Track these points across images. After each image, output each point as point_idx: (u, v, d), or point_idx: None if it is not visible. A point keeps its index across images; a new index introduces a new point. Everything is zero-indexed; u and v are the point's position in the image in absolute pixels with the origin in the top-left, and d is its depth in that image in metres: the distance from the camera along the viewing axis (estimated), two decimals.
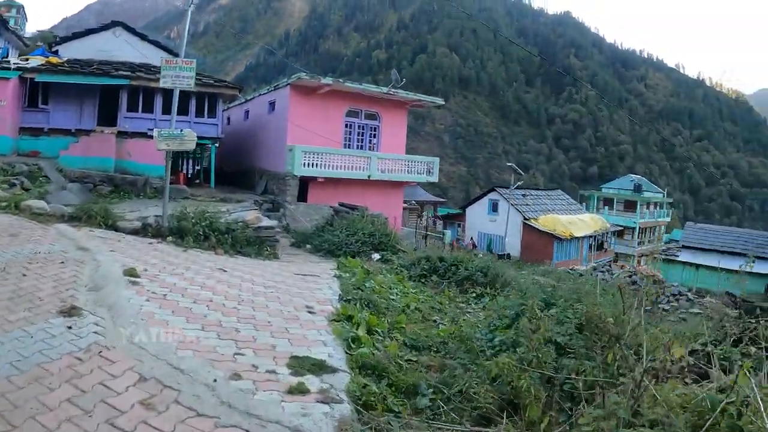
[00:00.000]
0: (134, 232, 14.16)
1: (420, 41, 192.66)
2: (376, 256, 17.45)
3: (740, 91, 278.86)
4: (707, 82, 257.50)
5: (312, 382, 5.77)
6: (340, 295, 10.37)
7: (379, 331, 8.39)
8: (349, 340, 7.53)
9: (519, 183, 53.18)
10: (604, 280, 27.84)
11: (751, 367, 4.17)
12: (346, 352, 7.06)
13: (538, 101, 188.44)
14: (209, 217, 15.02)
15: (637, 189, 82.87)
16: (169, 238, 13.92)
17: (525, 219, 47.94)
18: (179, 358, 5.85)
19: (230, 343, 6.68)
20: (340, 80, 28.75)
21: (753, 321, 6.32)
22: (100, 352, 5.82)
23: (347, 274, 12.85)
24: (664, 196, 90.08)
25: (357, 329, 8.01)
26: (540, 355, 5.58)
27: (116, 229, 14.09)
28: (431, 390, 6.41)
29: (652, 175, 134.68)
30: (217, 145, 27.21)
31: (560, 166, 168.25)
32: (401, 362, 7.20)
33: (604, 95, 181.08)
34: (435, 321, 10.73)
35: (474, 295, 14.12)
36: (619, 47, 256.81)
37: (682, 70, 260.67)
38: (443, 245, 36.74)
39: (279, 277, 11.79)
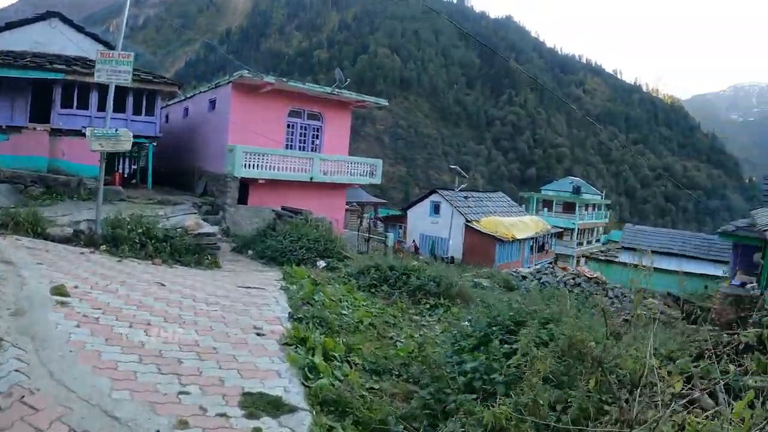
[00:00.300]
0: (65, 240, 13.13)
1: (362, 41, 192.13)
2: (321, 263, 16.80)
3: (676, 97, 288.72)
4: (644, 88, 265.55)
5: (269, 426, 5.11)
6: (290, 312, 9.65)
7: (336, 355, 7.70)
8: (306, 369, 6.85)
9: (463, 185, 53.02)
10: (548, 283, 27.94)
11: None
12: (304, 384, 6.40)
13: (478, 103, 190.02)
14: (146, 222, 14.12)
15: (576, 191, 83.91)
16: (103, 247, 12.93)
17: (467, 221, 47.77)
18: (115, 402, 5.07)
19: (172, 379, 5.90)
20: (283, 79, 27.84)
21: (728, 334, 6.35)
22: (23, 397, 4.91)
23: (294, 286, 12.12)
24: (602, 198, 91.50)
25: (313, 355, 7.29)
26: (540, 401, 4.97)
27: (46, 237, 13.02)
28: (402, 427, 5.78)
29: (589, 178, 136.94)
30: (155, 144, 26.03)
31: (499, 168, 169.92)
32: (364, 392, 6.58)
33: (544, 98, 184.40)
34: (392, 338, 10.20)
35: (428, 306, 13.65)
36: (559, 52, 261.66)
37: (619, 76, 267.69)
38: (386, 248, 36.27)
39: (222, 290, 10.99)
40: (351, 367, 7.60)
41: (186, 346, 7.06)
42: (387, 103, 35.60)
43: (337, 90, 28.54)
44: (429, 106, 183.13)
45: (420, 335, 10.72)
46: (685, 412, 4.27)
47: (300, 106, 28.39)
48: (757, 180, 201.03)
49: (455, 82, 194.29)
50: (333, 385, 6.43)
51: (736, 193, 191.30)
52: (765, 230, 12.78)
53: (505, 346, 7.07)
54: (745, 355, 5.71)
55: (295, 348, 7.57)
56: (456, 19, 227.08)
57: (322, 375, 6.69)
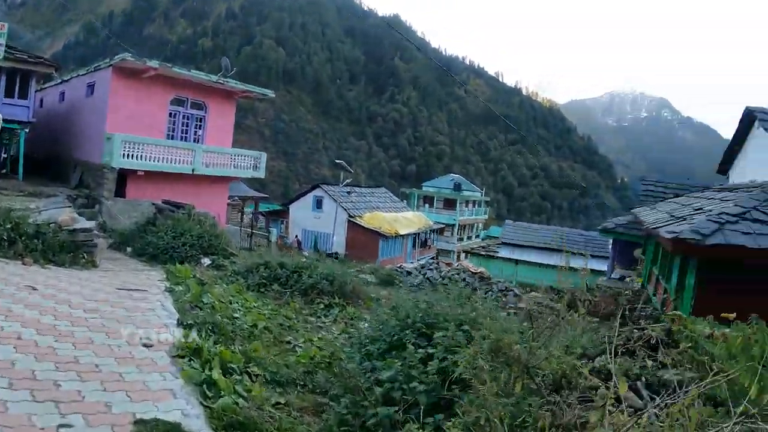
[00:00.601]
0: None
1: (247, 32, 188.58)
2: (206, 261, 16.01)
3: (554, 101, 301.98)
4: (524, 91, 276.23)
5: None
6: (178, 318, 8.82)
7: (234, 367, 7.00)
8: (204, 386, 6.12)
9: (348, 180, 52.56)
10: (433, 278, 27.90)
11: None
12: (203, 404, 5.68)
13: (361, 99, 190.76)
14: (15, 217, 12.88)
15: (457, 188, 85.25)
16: None
17: (350, 216, 47.34)
18: None
19: (50, 407, 5.00)
20: (168, 65, 26.33)
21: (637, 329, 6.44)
22: None
23: (179, 287, 11.31)
24: (482, 195, 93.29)
25: (210, 369, 6.53)
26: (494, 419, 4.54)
27: None
28: None
29: (468, 175, 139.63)
30: (27, 130, 24.26)
31: (380, 164, 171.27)
32: (271, 409, 5.95)
33: (426, 97, 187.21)
34: (289, 343, 9.70)
35: (322, 306, 13.32)
36: (443, 53, 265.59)
37: (501, 79, 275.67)
38: (269, 244, 35.39)
39: (101, 294, 10.01)
40: (252, 380, 6.99)
41: (64, 365, 6.12)
42: (273, 95, 34.66)
43: (222, 79, 27.35)
44: (312, 100, 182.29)
45: (319, 338, 10.24)
46: (618, 413, 4.08)
47: (184, 94, 26.98)
48: (628, 180, 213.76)
49: (339, 77, 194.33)
50: (237, 404, 5.79)
51: (609, 193, 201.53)
52: (656, 228, 12.98)
53: (420, 350, 6.70)
54: (657, 349, 5.79)
55: (189, 361, 6.81)
56: (344, 14, 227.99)
57: (222, 393, 6.00)
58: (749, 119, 18.06)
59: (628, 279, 25.96)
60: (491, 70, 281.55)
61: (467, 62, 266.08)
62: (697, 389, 4.08)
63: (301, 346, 9.35)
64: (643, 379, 5.09)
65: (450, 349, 6.30)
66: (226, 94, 28.76)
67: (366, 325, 12.18)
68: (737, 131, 19.21)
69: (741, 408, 3.70)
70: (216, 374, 6.38)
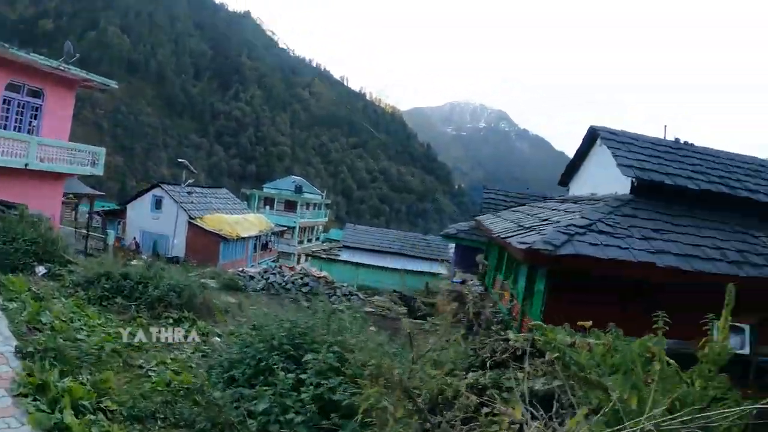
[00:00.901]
0: None
1: (92, 16, 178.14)
2: (41, 269, 14.84)
3: (396, 107, 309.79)
4: (368, 96, 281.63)
5: None
6: (17, 346, 7.77)
7: (86, 404, 6.26)
8: None
9: (190, 180, 50.83)
10: (276, 283, 27.58)
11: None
12: None
13: (205, 95, 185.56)
14: None
15: (298, 190, 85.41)
16: None
17: (191, 218, 45.89)
18: None
19: None
20: (5, 45, 23.89)
21: (501, 340, 6.53)
22: None
23: (14, 304, 10.19)
24: (322, 198, 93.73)
25: (60, 411, 5.78)
26: None
27: None
28: None
29: (309, 177, 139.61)
30: None
31: (220, 163, 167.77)
32: None
33: (270, 97, 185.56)
34: (142, 367, 9.00)
35: (171, 321, 12.64)
36: (291, 54, 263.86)
37: (346, 83, 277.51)
38: (106, 246, 33.61)
39: None
40: (108, 417, 6.31)
41: None
42: (117, 86, 32.87)
43: (64, 65, 25.40)
44: (154, 93, 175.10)
45: (172, 359, 9.59)
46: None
47: (20, 79, 24.67)
48: (465, 187, 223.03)
49: (184, 72, 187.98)
50: None
51: (447, 198, 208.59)
52: (506, 237, 13.50)
53: (290, 375, 6.50)
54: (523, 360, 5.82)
55: (34, 400, 6.00)
56: (194, 6, 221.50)
57: None
58: (592, 137, 19.18)
59: (470, 282, 26.77)
60: (337, 74, 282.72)
61: (314, 64, 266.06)
62: (585, 408, 4.26)
63: (154, 370, 8.68)
64: (518, 392, 5.04)
65: (322, 374, 6.08)
66: (65, 82, 26.81)
67: (219, 340, 11.63)
68: (580, 147, 20.35)
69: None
70: (68, 417, 5.68)
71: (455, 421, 4.64)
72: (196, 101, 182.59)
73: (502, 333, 13.27)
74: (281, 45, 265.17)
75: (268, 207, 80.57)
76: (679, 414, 4.08)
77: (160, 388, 7.65)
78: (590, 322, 6.57)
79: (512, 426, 4.28)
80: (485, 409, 4.59)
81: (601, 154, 18.30)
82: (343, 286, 28.57)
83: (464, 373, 5.99)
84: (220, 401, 6.73)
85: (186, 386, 7.69)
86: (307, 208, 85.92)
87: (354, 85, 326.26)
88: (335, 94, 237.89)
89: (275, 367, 6.75)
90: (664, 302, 9.03)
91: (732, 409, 4.16)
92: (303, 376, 6.31)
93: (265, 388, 6.42)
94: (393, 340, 8.82)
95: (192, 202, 48.03)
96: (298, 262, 60.58)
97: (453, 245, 33.96)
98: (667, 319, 5.60)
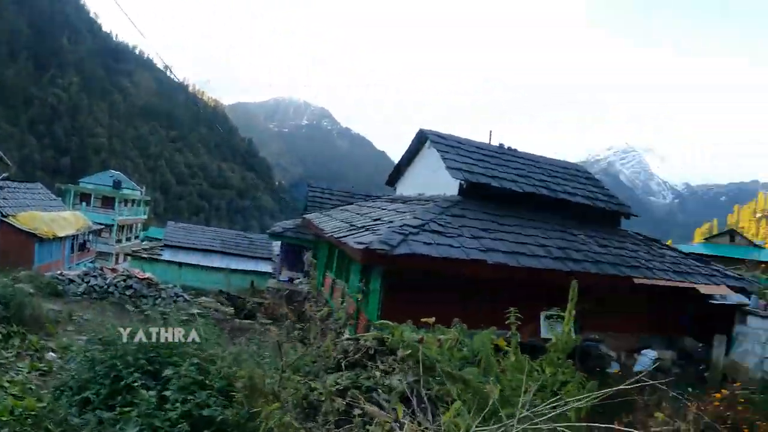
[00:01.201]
0: None
1: None
2: None
3: (219, 101, 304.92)
4: (190, 89, 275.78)
5: None
6: None
7: None
8: None
9: (4, 174, 47.58)
10: (98, 286, 26.55)
11: None
12: None
13: (20, 78, 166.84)
14: None
15: (117, 185, 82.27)
16: None
17: (2, 216, 43.05)
18: None
19: None
20: None
21: (352, 340, 6.71)
22: None
23: None
24: (142, 194, 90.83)
25: None
26: None
27: None
28: None
29: (126, 172, 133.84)
30: None
31: (32, 154, 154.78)
32: None
33: (89, 84, 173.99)
34: None
35: None
36: (114, 38, 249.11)
37: (169, 74, 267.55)
38: None
39: None
40: None
41: None
42: None
43: None
44: None
45: (10, 382, 8.74)
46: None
47: None
48: (285, 184, 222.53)
49: None
50: None
51: (267, 194, 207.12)
52: (341, 237, 13.86)
53: (151, 392, 6.14)
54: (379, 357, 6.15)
55: None
56: None
57: None
58: (421, 139, 19.88)
59: (297, 281, 27.09)
60: (160, 64, 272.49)
61: (137, 52, 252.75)
62: (460, 402, 4.42)
63: None
64: (379, 391, 5.33)
65: (186, 389, 5.97)
66: None
67: (54, 356, 10.97)
68: (409, 148, 21.01)
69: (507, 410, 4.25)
70: None
71: (330, 425, 4.76)
72: (9, 84, 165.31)
73: (340, 332, 13.69)
74: (105, 29, 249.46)
75: (84, 203, 76.59)
76: (554, 400, 4.53)
77: (4, 418, 6.68)
78: (434, 319, 7.04)
79: (386, 425, 4.44)
80: (356, 411, 4.74)
81: (429, 156, 19.00)
82: (168, 287, 27.92)
83: (315, 376, 6.07)
84: (83, 430, 6.23)
85: (33, 413, 6.76)
86: (126, 205, 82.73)
87: (178, 76, 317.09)
88: (157, 85, 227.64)
89: (135, 384, 6.37)
90: (499, 298, 9.86)
91: (594, 392, 4.67)
92: (166, 393, 6.01)
93: (127, 408, 6.02)
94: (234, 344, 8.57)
95: (4, 198, 44.90)
96: (117, 261, 58.48)
97: (278, 243, 34.16)
98: (505, 313, 6.20)
